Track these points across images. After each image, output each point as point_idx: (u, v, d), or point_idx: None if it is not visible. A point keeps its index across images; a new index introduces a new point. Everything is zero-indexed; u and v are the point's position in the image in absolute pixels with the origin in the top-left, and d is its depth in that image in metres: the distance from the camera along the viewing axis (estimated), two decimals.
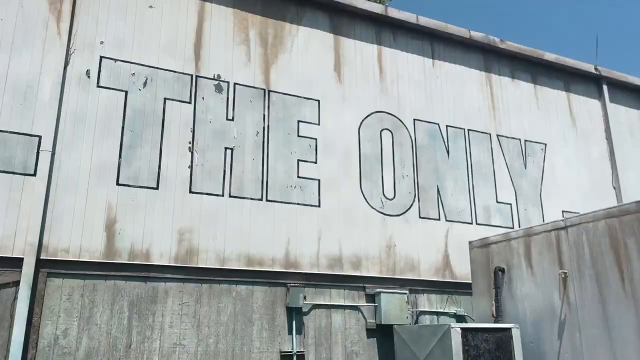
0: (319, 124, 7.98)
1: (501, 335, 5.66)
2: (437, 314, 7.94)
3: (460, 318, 8.06)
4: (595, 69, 10.73)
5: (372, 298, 7.48)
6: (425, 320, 7.81)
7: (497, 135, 9.54)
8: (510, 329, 5.77)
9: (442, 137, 9.04)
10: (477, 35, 9.63)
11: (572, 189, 9.98)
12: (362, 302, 7.44)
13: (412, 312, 7.66)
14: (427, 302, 7.94)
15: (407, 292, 7.64)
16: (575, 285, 5.74)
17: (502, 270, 6.74)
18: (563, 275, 5.85)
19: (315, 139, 7.88)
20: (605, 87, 10.88)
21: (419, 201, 8.44)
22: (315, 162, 7.77)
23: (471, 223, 8.79)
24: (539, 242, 6.34)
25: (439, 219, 8.54)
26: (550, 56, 10.26)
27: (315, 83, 8.15)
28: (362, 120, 8.40)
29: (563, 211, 9.48)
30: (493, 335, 5.64)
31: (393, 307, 7.27)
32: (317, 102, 8.06)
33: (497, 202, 9.13)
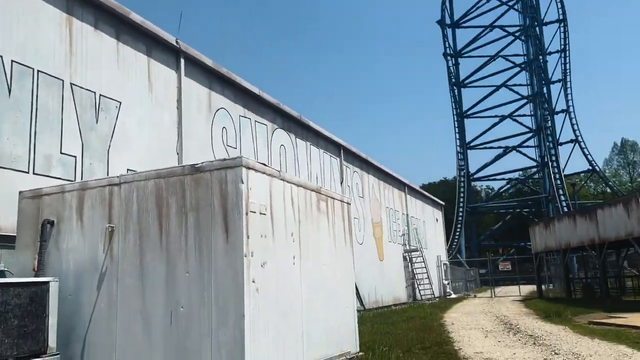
0: None
1: (37, 289, 5.41)
2: None
3: None
4: (177, 42, 11.54)
5: None
6: None
7: (71, 84, 9.06)
8: (48, 282, 5.59)
9: (5, 73, 7.93)
10: None
11: (141, 150, 10.47)
12: None
13: None
14: None
15: None
16: (120, 239, 6.05)
17: (52, 223, 6.47)
18: (110, 229, 6.07)
19: None
20: (182, 61, 11.86)
21: None
22: None
23: (27, 172, 8.08)
24: (93, 196, 6.37)
25: None
26: (136, 17, 10.42)
27: None
28: None
29: (128, 169, 9.84)
30: (27, 290, 5.33)
31: None
32: None
33: (61, 153, 8.69)
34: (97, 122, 9.49)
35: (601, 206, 23.89)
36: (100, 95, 9.63)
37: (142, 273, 5.83)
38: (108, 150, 9.67)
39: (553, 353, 9.55)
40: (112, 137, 9.79)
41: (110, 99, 9.86)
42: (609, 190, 66.65)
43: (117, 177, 6.32)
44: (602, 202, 32.68)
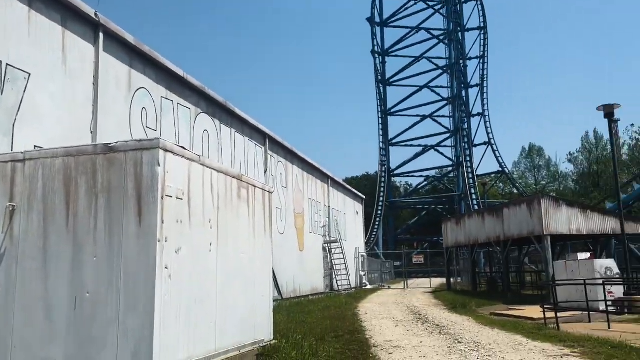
0: None
1: None
2: None
3: None
4: (96, 14, 10.91)
5: None
6: None
7: None
8: None
9: None
10: None
11: (51, 126, 9.82)
12: None
13: None
14: None
15: None
16: (22, 219, 5.67)
17: None
18: (11, 208, 5.67)
19: None
20: (101, 35, 11.22)
21: None
22: None
23: None
24: None
25: None
26: None
27: None
28: None
29: (36, 146, 9.21)
30: None
31: None
32: None
33: None
34: (2, 93, 8.79)
35: (507, 205, 25.53)
36: (7, 64, 8.92)
37: (46, 256, 5.51)
38: (14, 124, 8.99)
39: (456, 342, 10.11)
40: (18, 110, 9.11)
41: (19, 69, 9.15)
42: (515, 191, 71.22)
43: (22, 152, 5.90)
44: (508, 201, 34.90)
